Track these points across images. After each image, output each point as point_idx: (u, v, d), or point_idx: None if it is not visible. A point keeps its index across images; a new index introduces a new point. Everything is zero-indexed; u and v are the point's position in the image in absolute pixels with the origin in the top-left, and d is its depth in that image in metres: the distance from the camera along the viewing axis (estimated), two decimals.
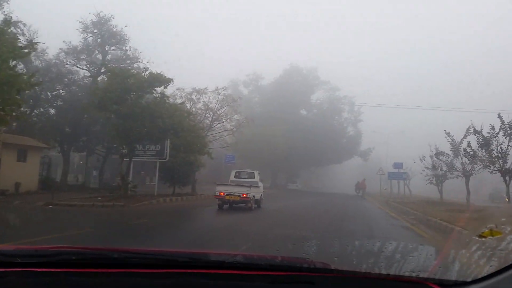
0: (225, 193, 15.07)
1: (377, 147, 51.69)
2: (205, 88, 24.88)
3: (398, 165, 28.50)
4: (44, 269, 1.42)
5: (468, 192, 16.98)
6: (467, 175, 16.95)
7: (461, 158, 16.98)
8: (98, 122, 22.30)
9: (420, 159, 22.71)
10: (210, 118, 25.80)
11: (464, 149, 13.44)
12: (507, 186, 12.06)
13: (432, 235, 9.56)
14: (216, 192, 15.35)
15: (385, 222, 13.73)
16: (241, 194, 14.88)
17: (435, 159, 20.74)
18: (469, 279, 1.38)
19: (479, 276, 1.37)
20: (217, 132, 26.96)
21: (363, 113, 48.24)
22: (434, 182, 22.16)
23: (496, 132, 12.12)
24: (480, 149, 12.77)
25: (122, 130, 17.94)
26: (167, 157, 19.26)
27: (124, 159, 19.86)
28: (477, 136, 12.56)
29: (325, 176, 78.86)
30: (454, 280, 1.43)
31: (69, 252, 1.55)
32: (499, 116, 12.38)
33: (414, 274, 1.52)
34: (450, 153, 17.83)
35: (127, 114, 17.43)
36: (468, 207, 16.30)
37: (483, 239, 1.64)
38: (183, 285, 1.41)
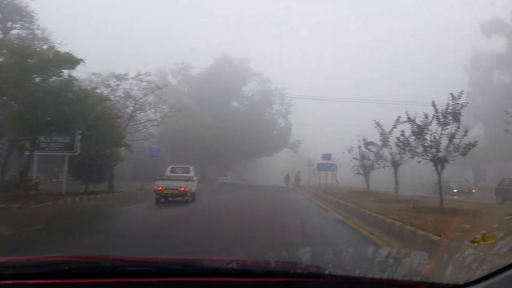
0: (164, 187, 15.55)
1: (306, 139, 52.58)
2: (126, 74, 22.43)
3: (326, 157, 28.60)
4: (37, 281, 1.39)
5: (397, 182, 17.06)
6: (395, 165, 17.03)
7: (390, 148, 17.00)
8: None
9: (348, 150, 22.71)
10: (131, 107, 23.39)
11: (397, 138, 13.14)
12: (439, 175, 11.92)
13: (370, 231, 8.91)
14: (155, 187, 15.84)
15: (317, 215, 13.11)
16: (179, 188, 15.51)
17: (364, 149, 20.80)
18: (461, 282, 1.39)
19: (471, 280, 1.36)
20: (139, 122, 24.63)
21: (293, 105, 48.57)
22: (362, 172, 22.29)
23: (429, 121, 11.87)
24: (413, 138, 12.51)
25: (21, 119, 15.28)
26: (78, 150, 16.79)
27: (26, 153, 17.07)
28: (412, 125, 12.25)
29: (255, 169, 79.02)
30: (446, 284, 1.44)
31: (62, 262, 1.51)
32: (433, 104, 12.18)
33: (407, 278, 1.53)
34: (380, 143, 17.84)
35: (26, 100, 14.83)
36: (396, 197, 16.35)
37: (476, 244, 1.60)
38: None
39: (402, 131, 13.01)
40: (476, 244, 1.66)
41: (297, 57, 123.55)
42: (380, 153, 18.86)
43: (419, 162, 14.73)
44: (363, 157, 21.74)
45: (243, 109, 49.12)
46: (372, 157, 20.66)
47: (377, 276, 1.56)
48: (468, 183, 29.70)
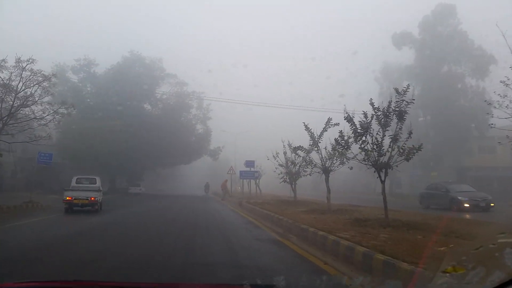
0: (73, 197, 16.13)
1: (227, 146, 50.21)
2: (3, 60, 17.76)
3: (249, 163, 26.68)
4: None
5: (328, 190, 15.48)
6: (326, 171, 15.51)
7: (320, 153, 15.49)
8: None
9: (273, 155, 20.87)
10: (11, 102, 18.69)
11: (336, 140, 11.40)
12: (383, 183, 10.35)
13: (319, 257, 6.77)
14: (65, 197, 16.25)
15: (246, 234, 10.69)
16: (89, 198, 16.34)
17: (290, 155, 19.16)
18: None
19: None
20: (24, 120, 19.99)
21: (212, 110, 45.95)
22: (288, 180, 20.57)
23: (369, 120, 10.29)
24: (351, 140, 10.88)
25: None
26: None
27: None
28: (351, 125, 10.55)
29: (173, 177, 74.59)
30: None
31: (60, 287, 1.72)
32: (371, 103, 10.66)
33: None
34: (309, 147, 16.26)
35: None
36: (328, 206, 14.75)
37: (448, 274, 1.59)
38: None
39: (341, 131, 11.37)
40: (448, 274, 1.59)
41: (216, 59, 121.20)
42: (309, 158, 17.26)
43: (351, 168, 13.41)
44: (287, 164, 20.10)
45: (157, 112, 45.20)
46: (298, 163, 19.09)
47: None
48: (483, 194, 19.51)
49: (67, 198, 16.01)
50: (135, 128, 39.74)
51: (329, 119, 15.14)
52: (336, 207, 15.37)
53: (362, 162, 10.58)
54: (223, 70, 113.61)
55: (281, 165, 20.51)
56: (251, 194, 27.43)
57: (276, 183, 23.75)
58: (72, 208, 16.01)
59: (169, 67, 47.82)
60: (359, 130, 10.03)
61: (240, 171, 27.04)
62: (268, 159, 21.35)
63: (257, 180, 29.46)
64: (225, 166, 76.99)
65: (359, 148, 10.70)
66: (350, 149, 11.29)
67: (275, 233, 10.35)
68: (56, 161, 39.39)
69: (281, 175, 20.69)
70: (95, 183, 18.06)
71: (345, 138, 11.05)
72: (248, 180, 29.02)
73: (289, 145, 18.85)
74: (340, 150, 12.27)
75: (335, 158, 14.92)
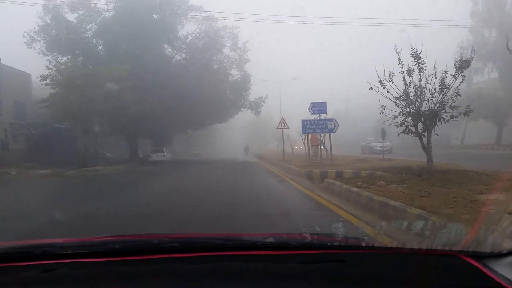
0: None
1: (269, 99, 39.97)
2: None
3: (318, 108, 16.41)
4: (90, 259, 1.48)
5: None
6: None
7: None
8: None
9: (381, 81, 10.57)
10: None
11: None
12: None
13: None
14: None
15: None
16: None
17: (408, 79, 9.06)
18: (505, 251, 1.35)
19: None
20: None
21: (250, 49, 35.38)
22: (411, 126, 10.30)
23: None
24: None
25: None
26: None
27: None
28: None
29: (208, 139, 66.11)
30: (488, 252, 1.38)
31: (113, 242, 1.59)
32: None
33: (447, 248, 1.48)
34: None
35: None
36: None
37: None
38: (219, 267, 1.41)
39: None
40: None
41: None
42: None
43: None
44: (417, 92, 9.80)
45: (180, 57, 35.43)
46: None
47: (415, 247, 1.48)
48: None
49: None
50: (154, 79, 30.34)
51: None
52: None
53: None
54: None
55: (398, 98, 10.22)
56: (322, 158, 17.55)
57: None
58: None
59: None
60: None
61: (303, 122, 16.81)
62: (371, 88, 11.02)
63: (323, 137, 19.30)
64: (269, 123, 67.39)
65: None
66: None
67: None
68: (57, 125, 31.61)
69: (397, 119, 10.40)
70: None
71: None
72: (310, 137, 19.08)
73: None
74: None
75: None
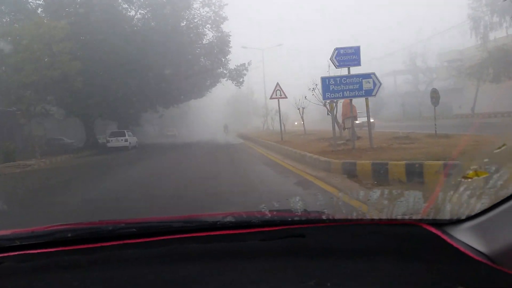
0: None
1: (251, 70, 33.49)
2: None
3: (347, 56, 10.16)
4: (40, 250, 1.41)
5: None
6: None
7: None
8: None
9: None
10: None
11: None
12: None
13: None
14: None
15: None
16: None
17: None
18: (463, 217, 1.37)
19: (472, 214, 1.34)
20: None
21: (226, 4, 28.52)
22: None
23: None
24: None
25: None
26: None
27: None
28: None
29: (183, 118, 59.36)
30: (448, 219, 1.41)
31: (63, 230, 1.51)
32: None
33: (406, 217, 1.50)
34: None
35: None
36: None
37: (469, 180, 1.47)
38: (177, 251, 1.38)
39: None
40: (470, 179, 1.46)
41: None
42: None
43: None
44: None
45: (140, 16, 28.36)
46: None
47: (375, 217, 1.51)
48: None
49: None
50: (105, 43, 23.59)
51: None
52: None
53: None
54: None
55: None
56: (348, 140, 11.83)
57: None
58: None
59: None
60: None
61: (324, 81, 10.29)
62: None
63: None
64: (251, 99, 61.06)
65: None
66: None
67: None
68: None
69: None
70: None
71: None
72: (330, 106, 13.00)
73: None
74: None
75: None
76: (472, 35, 30.55)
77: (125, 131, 26.14)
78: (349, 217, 1.57)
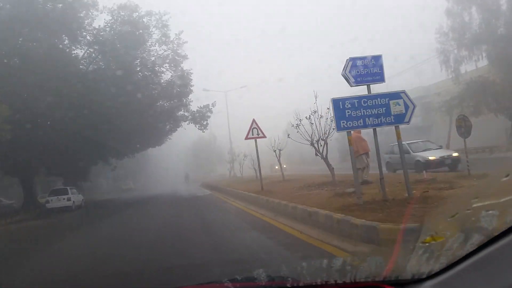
0: None
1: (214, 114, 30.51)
2: None
3: (367, 69, 7.35)
4: None
5: None
6: None
7: None
8: None
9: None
10: None
11: None
12: None
13: None
14: None
15: None
16: None
17: None
18: (424, 276, 1.42)
19: (433, 272, 1.40)
20: None
21: (186, 42, 25.92)
22: None
23: None
24: None
25: None
26: None
27: None
28: None
29: (140, 169, 54.70)
30: (410, 279, 1.45)
31: None
32: None
33: (369, 279, 1.53)
34: None
35: None
36: None
37: (428, 244, 1.60)
38: None
39: None
40: (427, 244, 1.60)
41: None
42: None
43: None
44: None
45: (86, 56, 24.97)
46: None
47: (339, 281, 1.53)
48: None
49: None
50: (44, 85, 19.97)
51: None
52: None
53: None
54: None
55: None
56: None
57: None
58: None
59: None
60: None
61: (336, 104, 6.98)
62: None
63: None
64: (214, 145, 57.79)
65: None
66: None
67: None
68: None
69: None
70: None
71: None
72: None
73: None
74: None
75: None
76: (442, 69, 29.88)
77: (68, 188, 21.90)
78: (313, 283, 1.56)
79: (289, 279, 1.61)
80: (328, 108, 12.84)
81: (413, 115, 7.26)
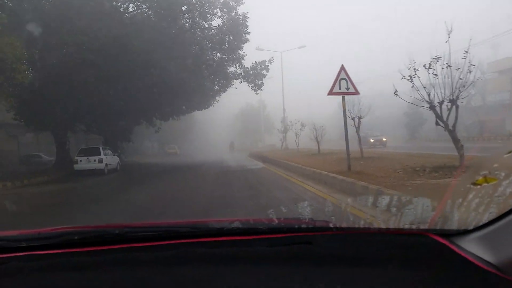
0: None
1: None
2: None
3: None
4: (47, 251, 1.39)
5: None
6: None
7: None
8: None
9: None
10: None
11: None
12: None
13: None
14: None
15: None
16: None
17: None
18: (471, 227, 1.32)
19: (480, 224, 1.28)
20: None
21: None
22: None
23: None
24: None
25: None
26: None
27: None
28: None
29: (186, 133, 52.20)
30: (455, 229, 1.36)
31: (71, 233, 1.48)
32: None
33: (414, 226, 1.46)
34: None
35: None
36: None
37: (478, 187, 1.41)
38: (184, 255, 1.34)
39: None
40: (479, 186, 1.40)
41: None
42: None
43: None
44: None
45: (134, 12, 21.38)
46: None
47: (382, 226, 1.48)
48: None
49: None
50: (91, 39, 16.73)
51: None
52: None
53: None
54: None
55: None
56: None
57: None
58: None
59: None
60: None
61: None
62: None
63: None
64: (262, 112, 53.95)
65: None
66: None
67: None
68: None
69: None
70: None
71: None
72: None
73: None
74: None
75: None
76: None
77: (100, 147, 18.97)
78: (356, 226, 1.52)
79: (333, 218, 1.57)
80: (466, 52, 8.67)
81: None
